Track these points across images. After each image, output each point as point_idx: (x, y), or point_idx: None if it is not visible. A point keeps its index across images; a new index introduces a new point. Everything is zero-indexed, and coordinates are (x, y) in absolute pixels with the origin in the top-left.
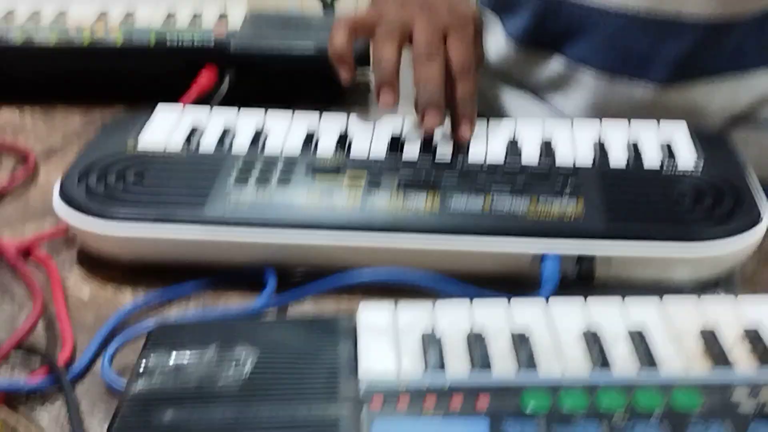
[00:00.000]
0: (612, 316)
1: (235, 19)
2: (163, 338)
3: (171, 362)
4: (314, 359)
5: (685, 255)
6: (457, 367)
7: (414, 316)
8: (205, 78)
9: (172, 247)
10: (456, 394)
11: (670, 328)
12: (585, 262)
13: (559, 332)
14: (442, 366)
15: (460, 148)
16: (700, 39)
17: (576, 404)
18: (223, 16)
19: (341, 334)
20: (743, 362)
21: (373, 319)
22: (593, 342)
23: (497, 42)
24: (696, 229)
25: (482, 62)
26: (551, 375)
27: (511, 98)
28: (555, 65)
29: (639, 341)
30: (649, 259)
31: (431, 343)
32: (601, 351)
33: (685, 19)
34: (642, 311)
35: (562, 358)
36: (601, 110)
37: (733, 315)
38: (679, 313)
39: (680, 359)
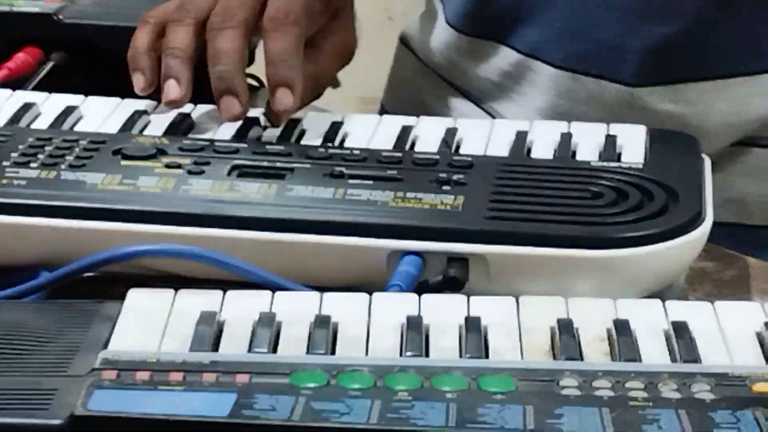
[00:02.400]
0: (447, 309)
1: None
2: None
3: None
4: (55, 338)
5: (579, 260)
6: (232, 349)
7: (195, 302)
8: (17, 62)
9: None
10: (211, 372)
11: (519, 323)
12: (455, 265)
13: (375, 321)
14: (213, 347)
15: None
16: (691, 24)
17: (357, 381)
18: None
19: (101, 318)
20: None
21: (143, 301)
22: (412, 335)
23: (438, 35)
24: (601, 231)
25: (352, 47)
26: (341, 358)
27: (453, 105)
28: (502, 60)
29: (473, 331)
30: (533, 263)
31: (206, 323)
32: (419, 341)
33: None
34: (489, 304)
35: (370, 348)
36: (560, 119)
37: (599, 313)
38: (533, 308)
39: (516, 353)
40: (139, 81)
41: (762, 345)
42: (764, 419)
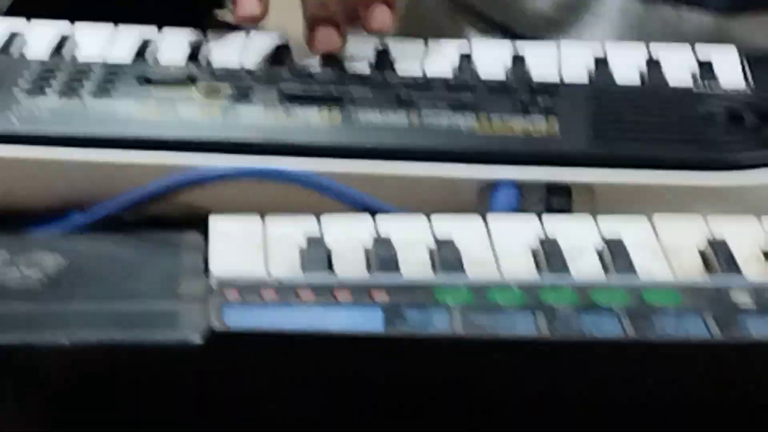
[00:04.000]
0: (577, 230)
1: None
2: None
3: None
4: (146, 267)
5: (701, 185)
6: (348, 272)
7: (291, 226)
8: None
9: None
10: (343, 290)
11: (660, 244)
12: (556, 194)
13: (498, 245)
14: (327, 268)
15: (383, 58)
16: None
17: (508, 299)
18: None
19: (187, 246)
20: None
21: (231, 229)
22: (548, 253)
23: None
24: (721, 153)
25: None
26: (478, 278)
27: None
28: None
29: (618, 255)
30: (647, 190)
31: (315, 246)
32: (557, 261)
33: None
34: (621, 225)
35: (499, 270)
36: None
37: (747, 232)
38: (673, 228)
39: (668, 272)
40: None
41: None
42: None
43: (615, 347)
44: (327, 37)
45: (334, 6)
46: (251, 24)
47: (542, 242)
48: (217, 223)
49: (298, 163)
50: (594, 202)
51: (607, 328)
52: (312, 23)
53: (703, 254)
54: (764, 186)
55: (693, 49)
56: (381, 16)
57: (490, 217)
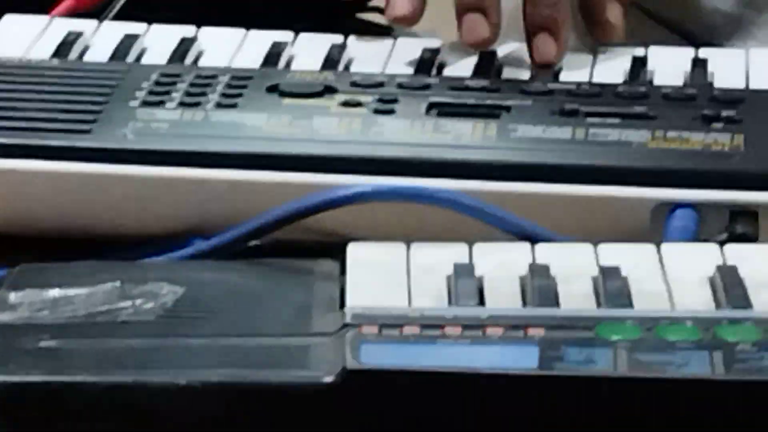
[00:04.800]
0: (763, 260)
1: None
2: (32, 278)
3: (46, 297)
4: (277, 299)
5: None
6: (501, 304)
7: (439, 254)
8: None
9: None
10: (495, 327)
11: None
12: (741, 219)
13: (672, 276)
14: (479, 301)
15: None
16: None
17: (680, 334)
18: None
19: (321, 276)
20: None
21: (370, 256)
22: (727, 285)
23: None
24: None
25: None
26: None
27: None
28: None
29: None
30: None
31: (464, 276)
32: (738, 293)
33: None
34: None
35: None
36: None
37: None
38: None
39: None
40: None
41: None
42: None
43: None
44: (474, 24)
45: None
46: (405, 25)
47: (721, 271)
48: (355, 251)
49: (448, 184)
50: None
51: None
52: (460, 10)
53: None
54: None
55: None
56: (544, 45)
57: (664, 246)
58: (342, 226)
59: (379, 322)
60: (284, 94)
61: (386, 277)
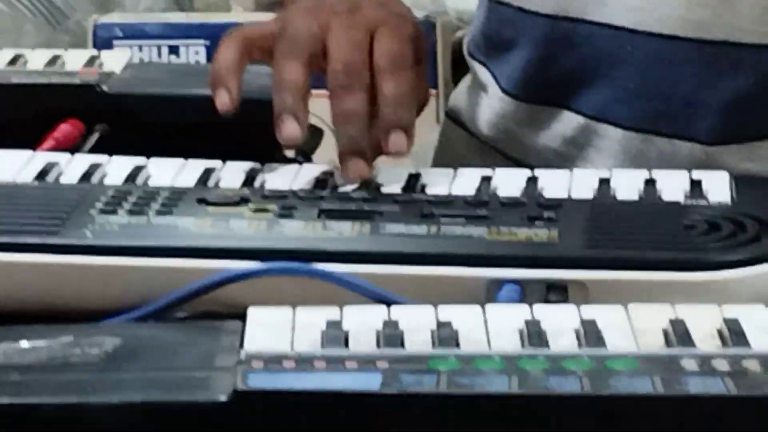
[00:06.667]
0: (561, 315)
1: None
2: (7, 336)
3: (17, 347)
4: (190, 348)
5: (679, 283)
6: (361, 347)
7: (316, 314)
8: (63, 133)
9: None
10: (352, 361)
11: (631, 326)
12: (555, 290)
13: (492, 327)
14: (343, 344)
15: (411, 181)
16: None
17: (489, 364)
18: (94, 58)
19: (227, 332)
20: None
21: (265, 317)
22: (531, 333)
23: (490, 105)
24: (697, 255)
25: (426, 97)
26: (470, 350)
27: None
28: (564, 126)
29: (590, 333)
30: (633, 287)
31: (333, 328)
32: (538, 338)
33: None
34: (598, 311)
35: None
36: None
37: (706, 315)
38: (642, 313)
39: (634, 347)
40: (224, 98)
41: None
42: None
43: (572, 400)
44: (356, 166)
45: (361, 140)
46: (291, 145)
47: (527, 323)
48: (254, 312)
49: (332, 267)
50: (588, 297)
51: (568, 386)
52: (343, 156)
53: (665, 332)
54: (736, 282)
55: (689, 173)
56: (398, 140)
57: (488, 306)
58: (249, 298)
59: (265, 358)
60: (209, 203)
61: (275, 331)
